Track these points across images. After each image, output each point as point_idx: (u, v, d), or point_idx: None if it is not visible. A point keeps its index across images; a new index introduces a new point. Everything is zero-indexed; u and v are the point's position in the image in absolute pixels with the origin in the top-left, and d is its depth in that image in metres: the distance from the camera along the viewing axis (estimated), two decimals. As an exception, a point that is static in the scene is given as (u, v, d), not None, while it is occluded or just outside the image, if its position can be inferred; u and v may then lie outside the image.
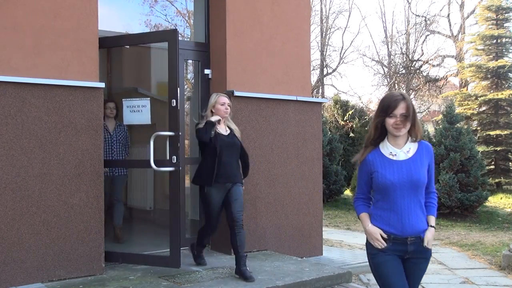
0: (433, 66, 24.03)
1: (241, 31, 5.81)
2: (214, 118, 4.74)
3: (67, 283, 4.53)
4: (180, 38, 5.72)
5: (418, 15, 25.22)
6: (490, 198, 11.33)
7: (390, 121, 2.84)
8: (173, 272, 4.82)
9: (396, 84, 24.75)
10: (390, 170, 2.86)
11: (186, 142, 6.26)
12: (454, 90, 19.12)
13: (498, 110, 15.16)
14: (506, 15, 15.92)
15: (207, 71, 5.92)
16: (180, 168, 4.88)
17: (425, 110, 24.99)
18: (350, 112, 15.58)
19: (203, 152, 4.81)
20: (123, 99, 5.30)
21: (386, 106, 2.85)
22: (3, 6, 4.41)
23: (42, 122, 4.55)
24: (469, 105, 15.48)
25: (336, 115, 15.91)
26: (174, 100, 4.77)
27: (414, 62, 24.16)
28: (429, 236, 2.88)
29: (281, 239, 6.00)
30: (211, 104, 4.82)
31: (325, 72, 25.74)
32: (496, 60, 15.45)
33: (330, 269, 5.07)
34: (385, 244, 2.87)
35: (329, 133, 13.55)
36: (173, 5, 6.57)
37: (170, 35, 4.87)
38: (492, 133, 14.50)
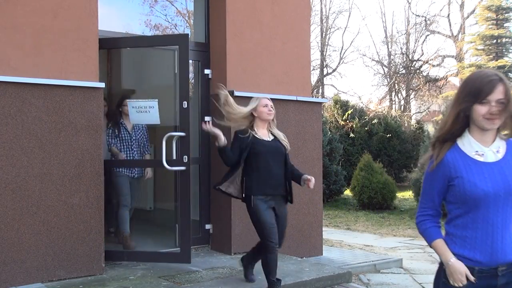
0: (433, 66, 24.04)
1: (241, 31, 5.81)
2: (221, 142, 4.25)
3: (67, 283, 4.53)
4: (180, 38, 5.73)
5: (418, 15, 25.25)
6: (490, 198, 11.30)
7: (481, 110, 2.12)
8: (173, 272, 4.82)
9: (396, 84, 24.76)
10: (480, 176, 2.15)
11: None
12: (454, 90, 19.10)
13: (498, 110, 15.15)
14: (506, 15, 15.94)
15: (207, 71, 5.93)
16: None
17: (425, 110, 24.99)
18: (350, 112, 15.58)
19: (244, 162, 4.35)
20: (128, 100, 5.34)
21: (477, 89, 2.13)
22: (3, 6, 4.41)
23: (42, 122, 4.55)
24: (469, 105, 15.45)
25: (336, 115, 15.91)
26: (185, 102, 4.94)
27: (414, 62, 24.16)
28: None
29: (281, 239, 5.99)
30: (253, 107, 4.39)
31: (325, 72, 25.76)
32: (496, 60, 15.46)
33: (330, 269, 5.07)
34: (468, 280, 2.15)
35: (329, 133, 13.55)
36: (173, 5, 6.57)
37: (181, 40, 5.04)
38: (492, 133, 14.48)
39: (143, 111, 5.14)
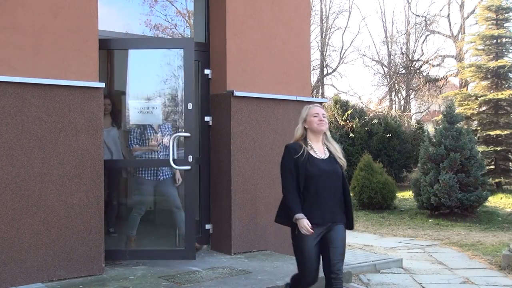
0: (433, 66, 24.03)
1: (241, 31, 5.81)
2: (303, 227, 3.55)
3: (67, 283, 4.53)
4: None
5: (418, 15, 25.23)
6: (490, 198, 11.33)
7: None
8: (173, 272, 4.83)
9: (396, 84, 24.76)
10: None
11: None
12: (454, 90, 19.11)
13: (498, 110, 15.16)
14: (506, 15, 15.91)
15: (207, 71, 5.93)
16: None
17: (425, 110, 24.99)
18: (349, 112, 15.58)
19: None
20: (129, 100, 5.38)
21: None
22: (3, 6, 4.41)
23: (42, 122, 4.55)
24: (469, 105, 15.48)
25: (336, 115, 15.91)
26: (191, 104, 5.14)
27: (414, 62, 24.16)
28: None
29: (281, 239, 5.99)
30: (302, 117, 3.86)
31: (325, 72, 25.74)
32: (496, 60, 15.44)
33: (330, 269, 5.06)
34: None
35: (329, 133, 13.53)
36: (173, 5, 6.57)
37: (186, 43, 5.26)
38: (492, 133, 14.49)
39: (146, 112, 5.21)
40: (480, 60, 16.21)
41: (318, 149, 3.78)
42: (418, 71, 24.06)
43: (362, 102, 19.72)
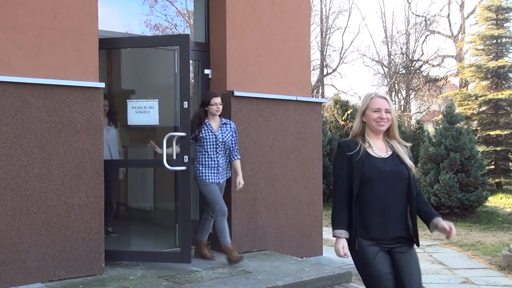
0: (433, 66, 24.04)
1: (241, 31, 5.81)
2: (336, 250, 2.96)
3: (67, 283, 4.53)
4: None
5: (418, 15, 25.24)
6: (490, 198, 11.32)
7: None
8: (173, 272, 4.82)
9: (396, 84, 24.76)
10: None
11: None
12: (454, 90, 19.11)
13: (498, 110, 15.16)
14: (506, 15, 15.91)
15: (207, 71, 5.93)
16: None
17: (425, 110, 25.00)
18: (349, 112, 15.58)
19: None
20: (127, 100, 5.34)
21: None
22: (3, 6, 4.41)
23: (42, 122, 4.55)
24: (469, 105, 15.47)
25: (336, 115, 15.91)
26: (186, 102, 4.94)
27: (414, 62, 24.17)
28: None
29: (281, 239, 6.00)
30: (361, 109, 3.11)
31: (325, 72, 25.75)
32: (496, 60, 15.44)
33: (330, 269, 5.07)
34: None
35: (329, 133, 13.55)
36: (173, 5, 6.57)
37: (182, 40, 5.04)
38: (492, 133, 14.49)
39: (143, 112, 5.14)
40: (480, 60, 16.21)
41: (379, 147, 3.05)
42: (418, 71, 24.07)
43: (362, 102, 19.67)
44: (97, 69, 4.86)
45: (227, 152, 5.28)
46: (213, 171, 5.17)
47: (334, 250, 2.98)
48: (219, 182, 5.22)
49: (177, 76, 5.20)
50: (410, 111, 23.94)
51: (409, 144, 3.14)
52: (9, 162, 4.40)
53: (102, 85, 4.87)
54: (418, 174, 11.53)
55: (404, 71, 24.47)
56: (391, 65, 25.34)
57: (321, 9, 25.67)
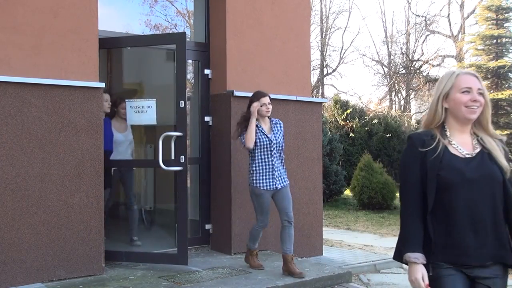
0: (433, 66, 24.05)
1: (241, 31, 5.81)
2: (413, 281, 2.24)
3: (67, 283, 4.53)
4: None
5: (418, 15, 25.27)
6: (490, 198, 11.31)
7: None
8: (173, 272, 4.83)
9: (396, 84, 24.76)
10: None
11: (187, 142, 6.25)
12: (454, 90, 19.08)
13: (498, 110, 15.17)
14: (506, 15, 15.93)
15: (207, 71, 5.93)
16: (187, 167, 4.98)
17: (425, 110, 24.98)
18: (348, 111, 15.59)
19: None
20: (126, 100, 5.33)
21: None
22: (3, 6, 4.41)
23: (42, 122, 4.55)
24: (469, 105, 15.46)
25: (336, 115, 15.91)
26: (182, 101, 4.89)
27: (414, 62, 24.18)
28: None
29: (281, 239, 5.99)
30: (442, 90, 2.35)
31: (325, 72, 25.75)
32: (496, 60, 15.45)
33: (330, 269, 5.07)
34: None
35: (329, 133, 13.55)
36: (173, 5, 6.57)
37: (178, 38, 4.99)
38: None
39: (141, 111, 5.12)
40: (480, 60, 16.22)
41: (462, 142, 2.33)
42: (418, 71, 24.09)
43: (362, 102, 19.76)
44: (97, 69, 4.86)
45: (281, 154, 4.92)
46: (267, 177, 4.79)
47: (409, 280, 2.25)
48: (275, 187, 4.81)
49: (174, 75, 5.19)
50: (410, 111, 23.94)
51: (503, 138, 2.39)
52: (9, 162, 4.40)
53: (102, 85, 4.87)
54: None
55: (404, 71, 24.48)
56: (391, 65, 25.35)
57: (321, 9, 25.70)
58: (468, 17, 23.25)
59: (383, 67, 26.04)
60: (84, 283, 4.52)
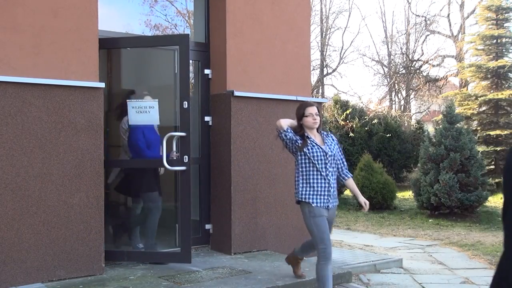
0: (433, 66, 24.05)
1: (241, 31, 5.81)
2: None
3: (67, 283, 4.53)
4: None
5: (418, 15, 25.26)
6: (490, 198, 11.33)
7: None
8: (173, 272, 4.83)
9: (396, 84, 24.76)
10: None
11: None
12: (454, 90, 19.12)
13: (498, 110, 15.16)
14: (506, 15, 15.92)
15: (207, 71, 5.93)
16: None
17: (425, 110, 25.00)
18: (348, 112, 15.59)
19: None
20: (127, 100, 5.33)
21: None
22: (3, 6, 4.41)
23: (42, 122, 4.55)
24: (469, 105, 15.48)
25: (336, 115, 15.91)
26: (186, 102, 4.92)
27: (414, 62, 24.17)
28: None
29: (281, 239, 6.00)
30: None
31: (325, 72, 25.75)
32: (496, 60, 15.45)
33: (330, 269, 5.06)
34: None
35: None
36: (173, 5, 6.57)
37: (181, 39, 5.03)
38: (492, 133, 14.50)
39: (143, 112, 5.13)
40: (480, 60, 16.22)
41: None
42: (418, 71, 24.09)
43: (362, 102, 19.74)
44: (97, 69, 4.86)
45: (336, 170, 4.39)
46: (323, 193, 4.21)
47: None
48: (329, 206, 4.24)
49: (177, 76, 5.20)
50: (410, 111, 23.94)
51: None
52: (9, 162, 4.40)
53: (102, 85, 4.87)
54: (418, 174, 11.53)
55: (404, 71, 24.48)
56: (391, 65, 25.34)
57: (321, 9, 25.69)
58: (468, 17, 23.26)
59: (383, 67, 26.04)
60: (84, 283, 4.52)
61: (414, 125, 17.60)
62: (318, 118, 4.36)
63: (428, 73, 24.09)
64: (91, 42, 4.81)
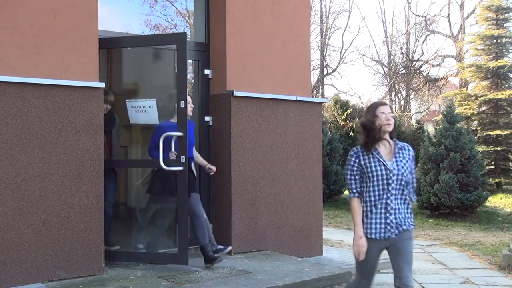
0: (433, 66, 24.05)
1: (241, 31, 5.81)
2: None
3: (67, 283, 4.53)
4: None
5: (418, 15, 25.25)
6: (490, 198, 11.33)
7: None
8: (173, 272, 4.82)
9: (396, 84, 24.76)
10: None
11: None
12: (454, 90, 19.11)
13: (498, 110, 15.15)
14: (506, 15, 15.91)
15: (207, 71, 5.93)
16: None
17: (425, 110, 25.00)
18: (348, 112, 15.59)
19: None
20: (126, 100, 5.33)
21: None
22: (3, 6, 4.41)
23: (42, 122, 4.55)
24: (469, 105, 15.47)
25: (336, 115, 15.91)
26: (183, 101, 4.88)
27: (414, 62, 24.17)
28: None
29: (281, 239, 6.00)
30: None
31: (325, 72, 25.75)
32: (496, 60, 15.44)
33: (330, 269, 5.06)
34: None
35: (329, 133, 13.55)
36: (173, 5, 6.57)
37: (179, 38, 4.98)
38: (492, 133, 14.49)
39: (142, 111, 5.12)
40: (480, 60, 16.20)
41: None
42: (418, 71, 24.08)
43: (362, 102, 19.74)
44: (97, 69, 4.86)
45: (404, 192, 3.50)
46: (377, 221, 3.49)
47: None
48: (388, 237, 3.47)
49: (174, 75, 5.19)
50: (410, 111, 23.95)
51: None
52: (9, 162, 4.40)
53: (102, 85, 4.87)
54: (418, 174, 11.52)
55: (404, 71, 24.47)
56: (391, 65, 25.34)
57: (321, 9, 25.69)
58: (468, 17, 23.25)
59: (383, 67, 26.04)
60: (84, 283, 4.52)
61: (414, 125, 17.61)
62: (392, 120, 3.51)
63: (428, 73, 24.09)
64: (91, 42, 4.81)
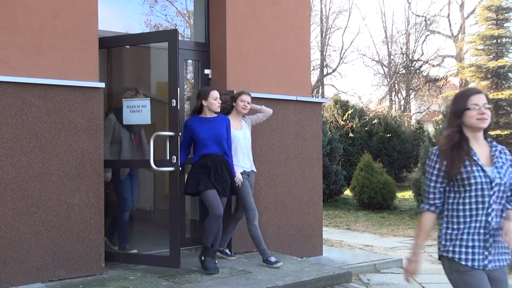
0: (433, 66, 24.05)
1: (241, 31, 5.81)
2: None
3: (67, 283, 4.53)
4: (180, 38, 5.73)
5: (418, 15, 25.27)
6: (490, 198, 11.32)
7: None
8: (173, 272, 4.82)
9: (396, 84, 24.77)
10: None
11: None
12: (454, 90, 19.11)
13: (498, 110, 15.14)
14: (506, 15, 15.90)
15: (207, 71, 5.93)
16: (180, 168, 4.89)
17: (425, 110, 25.00)
18: (349, 112, 15.60)
19: None
20: (123, 99, 5.30)
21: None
22: (3, 6, 4.41)
23: (42, 122, 4.55)
24: (469, 105, 15.45)
25: (336, 115, 15.91)
26: (174, 100, 4.78)
27: (414, 62, 24.17)
28: None
29: (281, 239, 6.00)
30: None
31: (325, 72, 25.76)
32: (496, 60, 15.43)
33: (330, 269, 5.07)
34: None
35: (329, 133, 13.56)
36: (173, 5, 6.57)
37: (170, 35, 4.90)
38: (492, 133, 14.46)
39: (136, 111, 5.09)
40: (480, 60, 16.19)
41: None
42: (418, 71, 24.09)
43: (362, 102, 19.78)
44: (97, 69, 4.86)
45: (502, 205, 2.69)
46: (478, 244, 2.62)
47: None
48: (487, 266, 2.61)
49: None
50: (410, 111, 23.95)
51: None
52: (9, 162, 4.40)
53: (102, 85, 4.87)
54: (418, 174, 11.52)
55: (404, 71, 24.48)
56: (391, 65, 25.35)
57: (321, 9, 25.70)
58: (468, 17, 23.25)
59: (383, 67, 26.05)
60: (84, 283, 4.52)
61: (414, 125, 17.62)
62: (488, 113, 2.71)
63: (428, 73, 24.10)
64: (91, 42, 4.81)
